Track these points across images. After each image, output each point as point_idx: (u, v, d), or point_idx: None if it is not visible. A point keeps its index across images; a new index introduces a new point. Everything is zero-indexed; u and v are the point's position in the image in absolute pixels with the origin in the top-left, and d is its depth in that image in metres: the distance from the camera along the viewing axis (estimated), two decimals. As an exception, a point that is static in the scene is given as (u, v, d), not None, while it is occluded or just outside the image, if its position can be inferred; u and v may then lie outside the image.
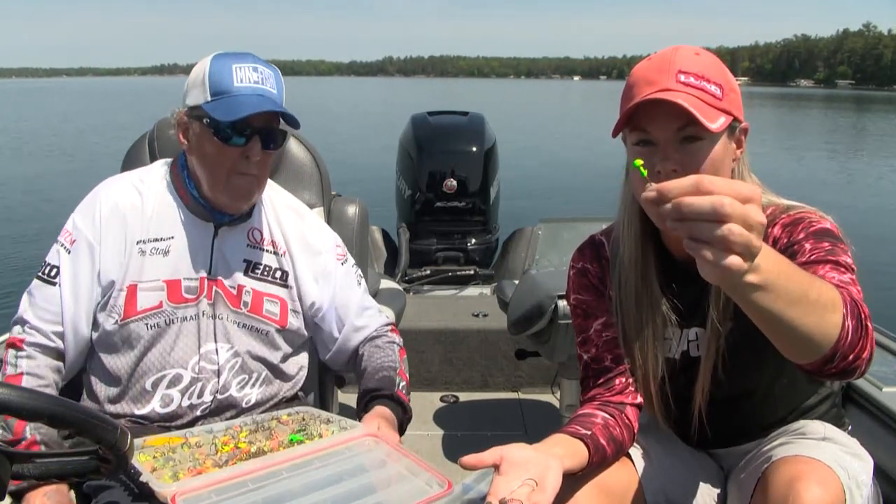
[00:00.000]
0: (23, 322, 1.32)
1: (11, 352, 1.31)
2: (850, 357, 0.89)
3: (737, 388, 1.19)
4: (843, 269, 1.02)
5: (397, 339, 1.54)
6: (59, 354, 1.34)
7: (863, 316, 0.91)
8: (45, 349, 1.32)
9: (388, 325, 1.55)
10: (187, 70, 1.46)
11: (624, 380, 1.21)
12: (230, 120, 1.24)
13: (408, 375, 1.46)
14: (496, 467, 0.97)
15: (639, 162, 0.90)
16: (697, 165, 1.05)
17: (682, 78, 1.04)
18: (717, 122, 1.03)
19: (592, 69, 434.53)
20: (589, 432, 1.11)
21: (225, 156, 1.28)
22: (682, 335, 1.21)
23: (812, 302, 0.83)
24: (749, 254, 0.72)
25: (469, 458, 0.97)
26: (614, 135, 1.12)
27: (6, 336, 1.96)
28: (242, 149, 1.28)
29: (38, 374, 1.30)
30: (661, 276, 1.19)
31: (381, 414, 1.32)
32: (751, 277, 0.76)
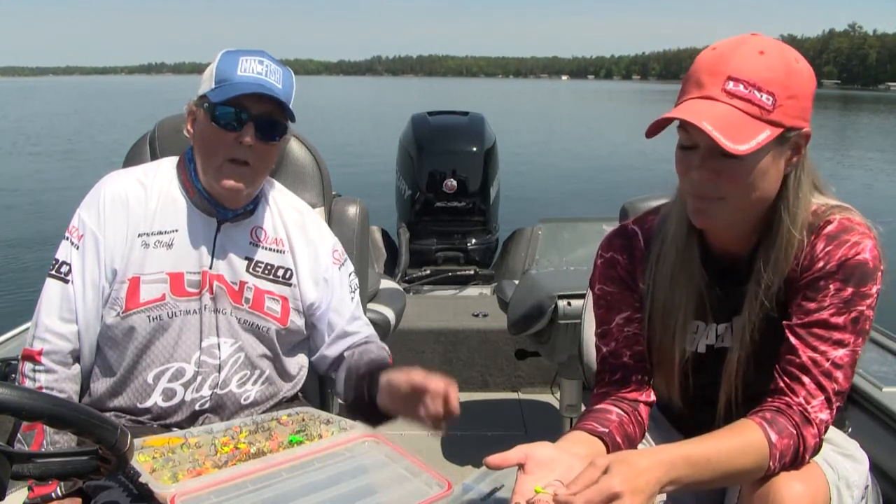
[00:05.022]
0: (39, 327, 1.31)
1: (28, 365, 1.30)
2: (788, 465, 1.03)
3: (748, 389, 1.18)
4: (838, 344, 1.04)
5: (386, 348, 1.53)
6: (76, 357, 1.33)
7: (801, 451, 1.03)
8: (62, 357, 1.31)
9: (377, 336, 1.55)
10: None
11: (640, 377, 1.20)
12: (222, 100, 1.26)
13: None
14: (521, 466, 0.96)
15: (539, 488, 0.92)
16: (734, 178, 1.01)
17: (731, 86, 0.99)
18: (749, 142, 0.97)
19: (580, 69, 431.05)
20: (606, 430, 1.11)
21: (220, 140, 1.29)
22: (706, 330, 1.18)
23: (734, 475, 1.00)
24: None
25: (494, 458, 0.96)
26: (651, 134, 1.05)
27: (11, 334, 1.96)
28: (237, 134, 1.28)
29: (56, 388, 1.29)
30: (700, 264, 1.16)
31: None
32: (668, 488, 0.92)
